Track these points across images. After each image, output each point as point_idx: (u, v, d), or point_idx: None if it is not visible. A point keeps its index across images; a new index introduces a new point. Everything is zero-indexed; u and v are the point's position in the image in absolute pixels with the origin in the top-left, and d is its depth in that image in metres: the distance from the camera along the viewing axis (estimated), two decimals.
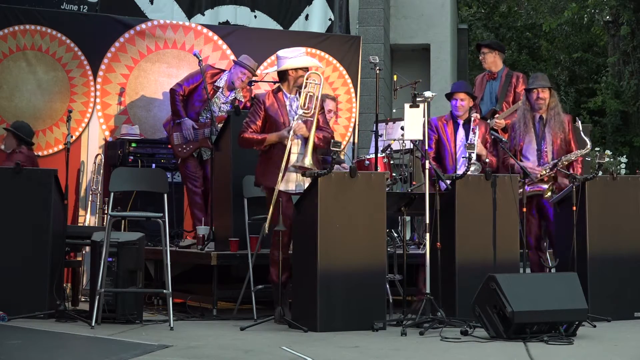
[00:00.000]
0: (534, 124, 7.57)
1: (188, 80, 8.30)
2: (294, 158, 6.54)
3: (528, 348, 5.53)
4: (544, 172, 7.41)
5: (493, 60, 8.61)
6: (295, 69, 6.69)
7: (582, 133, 7.41)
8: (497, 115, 8.38)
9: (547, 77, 7.86)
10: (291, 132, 6.48)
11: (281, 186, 6.52)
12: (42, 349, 5.47)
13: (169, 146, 8.51)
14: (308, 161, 6.43)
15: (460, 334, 5.98)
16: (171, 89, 8.34)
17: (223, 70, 8.40)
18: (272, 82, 8.86)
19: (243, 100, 8.28)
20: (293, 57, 6.72)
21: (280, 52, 6.80)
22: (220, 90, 8.25)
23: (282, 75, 6.76)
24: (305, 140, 6.55)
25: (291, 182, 6.59)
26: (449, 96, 7.59)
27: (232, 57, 9.21)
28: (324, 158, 7.70)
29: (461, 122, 7.50)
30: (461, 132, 7.47)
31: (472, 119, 7.46)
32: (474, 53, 21.15)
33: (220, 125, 7.73)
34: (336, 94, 9.66)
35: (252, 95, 8.19)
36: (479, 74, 9.01)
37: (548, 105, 7.55)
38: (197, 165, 8.29)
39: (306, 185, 6.50)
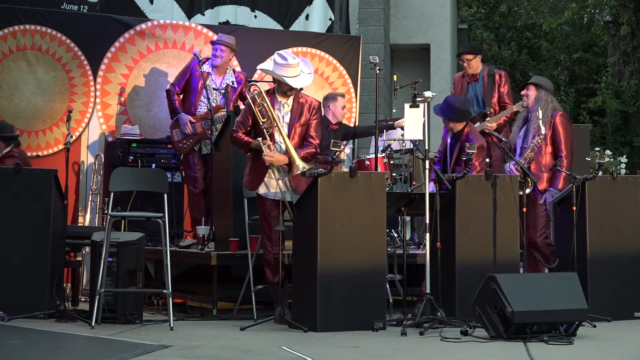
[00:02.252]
0: (525, 122, 7.61)
1: (180, 79, 8.32)
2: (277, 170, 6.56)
3: (528, 348, 5.53)
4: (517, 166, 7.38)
5: (477, 64, 8.39)
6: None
7: (540, 121, 7.38)
8: (487, 118, 8.27)
9: (543, 78, 7.86)
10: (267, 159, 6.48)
11: (261, 190, 6.60)
12: (42, 349, 5.47)
13: (169, 146, 8.54)
14: (301, 166, 6.41)
15: (460, 334, 5.98)
16: (167, 90, 8.42)
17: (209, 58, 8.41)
18: (271, 82, 8.86)
19: (236, 87, 8.28)
20: (276, 64, 6.62)
21: (275, 54, 6.75)
22: (210, 76, 8.25)
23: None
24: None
25: (272, 188, 6.60)
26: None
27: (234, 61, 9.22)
28: (324, 158, 7.71)
29: (451, 134, 7.47)
30: (449, 143, 7.45)
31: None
32: None
33: (218, 115, 7.84)
34: None
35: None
36: None
37: (535, 102, 7.56)
38: (198, 160, 8.28)
39: (286, 194, 6.50)
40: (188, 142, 8.22)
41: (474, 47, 8.74)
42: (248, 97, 6.64)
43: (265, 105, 6.54)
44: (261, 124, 6.50)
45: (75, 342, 5.83)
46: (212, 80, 8.27)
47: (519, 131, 7.67)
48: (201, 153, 8.30)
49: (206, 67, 8.27)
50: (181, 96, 8.33)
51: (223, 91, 8.21)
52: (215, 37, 8.75)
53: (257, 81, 8.59)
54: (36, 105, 8.71)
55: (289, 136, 6.53)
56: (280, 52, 6.73)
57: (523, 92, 7.63)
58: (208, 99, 8.01)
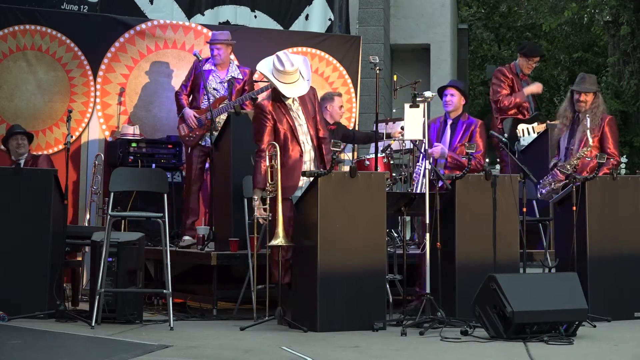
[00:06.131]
0: (572, 123, 7.52)
1: (187, 81, 8.45)
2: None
3: (528, 348, 5.53)
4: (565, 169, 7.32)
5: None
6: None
7: (588, 131, 7.31)
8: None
9: (594, 79, 7.69)
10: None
11: (297, 192, 6.60)
12: (42, 349, 5.48)
13: (169, 146, 8.62)
14: (277, 241, 6.31)
15: (460, 334, 5.98)
16: (176, 92, 8.54)
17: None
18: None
19: (241, 78, 8.39)
20: (275, 69, 6.60)
21: (275, 57, 6.66)
22: (213, 73, 8.29)
23: None
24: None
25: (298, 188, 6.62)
26: (440, 93, 7.46)
27: (232, 56, 9.21)
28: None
29: (450, 121, 7.40)
30: (447, 132, 7.36)
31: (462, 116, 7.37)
32: (473, 53, 21.17)
33: (221, 106, 8.07)
34: None
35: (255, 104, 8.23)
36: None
37: (590, 107, 7.46)
38: (201, 155, 8.28)
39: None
40: (194, 135, 8.25)
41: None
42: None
43: (275, 169, 6.47)
44: (269, 185, 6.44)
45: (75, 342, 5.83)
46: (217, 75, 8.35)
47: (566, 130, 7.54)
48: (203, 145, 8.31)
49: (208, 66, 8.34)
50: (190, 97, 8.42)
51: (226, 83, 8.26)
52: (210, 35, 8.82)
53: (257, 81, 8.65)
54: (36, 105, 8.70)
55: (308, 133, 6.64)
56: (281, 55, 6.67)
57: (582, 98, 7.42)
58: (207, 96, 8.12)
